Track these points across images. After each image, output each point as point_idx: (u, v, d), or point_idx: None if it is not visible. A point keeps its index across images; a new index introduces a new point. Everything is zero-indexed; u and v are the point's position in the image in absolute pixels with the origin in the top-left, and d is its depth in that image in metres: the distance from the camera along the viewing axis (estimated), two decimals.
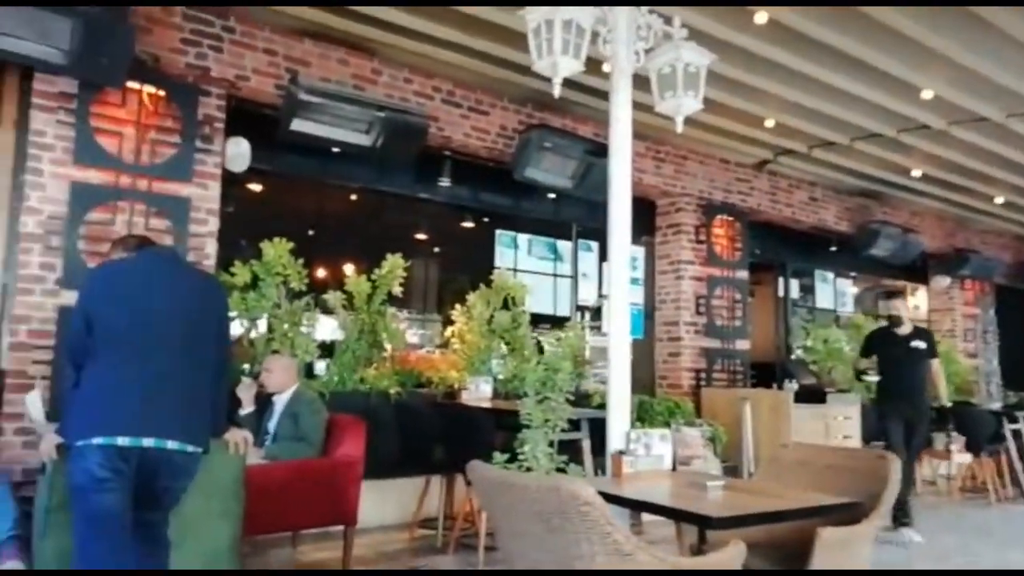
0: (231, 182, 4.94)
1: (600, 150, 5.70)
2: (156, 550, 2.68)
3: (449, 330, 6.15)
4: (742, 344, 7.51)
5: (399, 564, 4.32)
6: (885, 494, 2.70)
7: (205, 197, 4.66)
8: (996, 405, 8.57)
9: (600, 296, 7.23)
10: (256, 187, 5.81)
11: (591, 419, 4.55)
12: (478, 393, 5.40)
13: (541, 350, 5.87)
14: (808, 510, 2.51)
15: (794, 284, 8.91)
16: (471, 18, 4.67)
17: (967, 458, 7.00)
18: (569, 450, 4.32)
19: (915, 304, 10.05)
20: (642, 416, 6.02)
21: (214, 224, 4.70)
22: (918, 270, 9.74)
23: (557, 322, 6.67)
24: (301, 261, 5.09)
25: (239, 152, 4.78)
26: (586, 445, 4.55)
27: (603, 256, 7.07)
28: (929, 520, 5.21)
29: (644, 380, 7.04)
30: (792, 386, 6.82)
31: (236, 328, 4.76)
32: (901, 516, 5.19)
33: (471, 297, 6.03)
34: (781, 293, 8.71)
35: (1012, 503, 6.93)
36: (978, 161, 7.23)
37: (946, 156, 7.11)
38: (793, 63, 5.21)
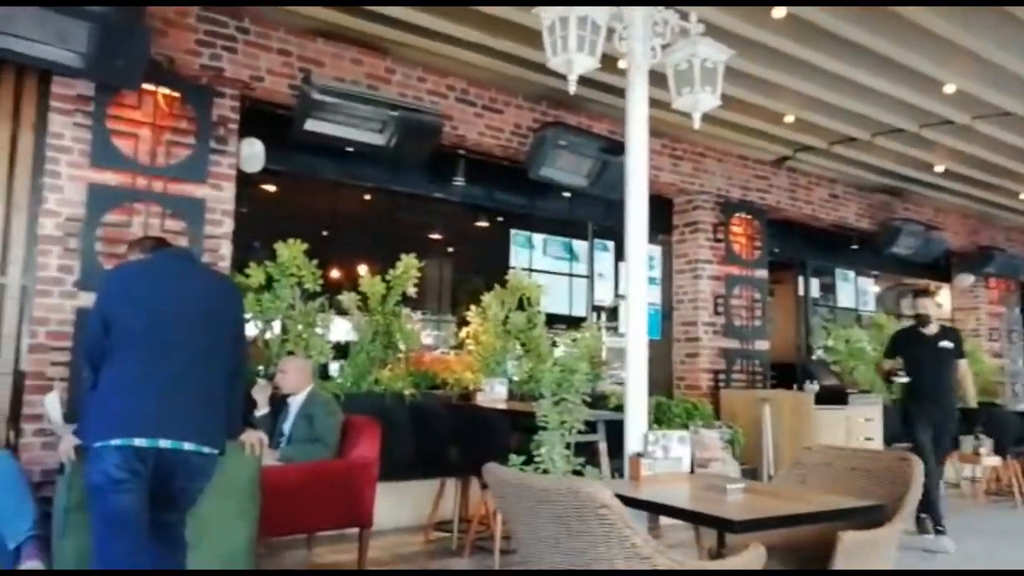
0: (245, 183, 4.95)
1: (616, 148, 5.66)
2: (173, 551, 2.70)
3: (464, 331, 6.13)
4: (761, 344, 7.42)
5: (415, 566, 4.30)
6: (908, 497, 2.65)
7: (220, 198, 4.67)
8: (1022, 406, 8.42)
9: (617, 296, 7.18)
10: (270, 188, 5.83)
11: (607, 421, 4.50)
12: (493, 394, 5.37)
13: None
14: (829, 513, 2.46)
15: (814, 283, 8.81)
16: (485, 16, 4.65)
17: (996, 461, 6.89)
18: (585, 452, 4.28)
19: (938, 303, 9.89)
20: (660, 418, 5.97)
21: (229, 225, 4.71)
22: (941, 268, 9.60)
23: (573, 322, 6.62)
24: (315, 262, 5.09)
25: (253, 153, 4.79)
26: (603, 447, 4.51)
27: (619, 255, 7.02)
28: (954, 523, 5.10)
29: (661, 381, 6.98)
30: (813, 387, 6.72)
31: (251, 329, 4.77)
32: (936, 522, 5.05)
33: (486, 297, 6.01)
34: (801, 292, 8.61)
35: None
36: (1002, 156, 7.10)
37: (969, 151, 6.99)
38: (812, 58, 5.13)
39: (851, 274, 9.32)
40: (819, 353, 8.28)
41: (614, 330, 7.01)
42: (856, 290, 9.40)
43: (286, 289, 4.96)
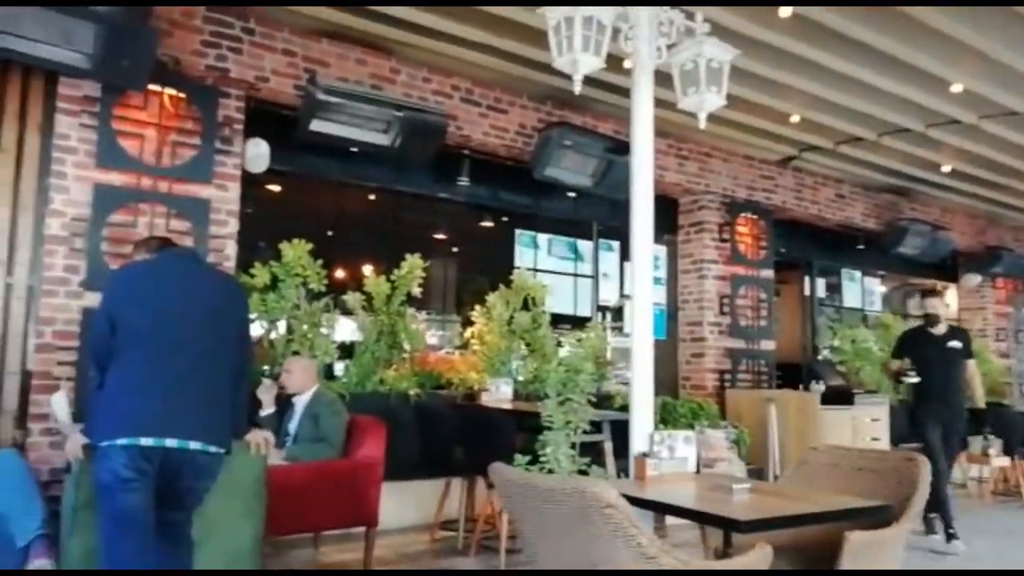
0: (250, 183, 4.96)
1: (621, 148, 5.65)
2: (179, 550, 2.71)
3: (469, 331, 6.13)
4: (767, 344, 7.40)
5: (420, 565, 4.30)
6: (915, 497, 2.64)
7: (225, 198, 4.68)
8: None
9: (622, 296, 7.17)
10: (275, 188, 5.84)
11: (612, 421, 4.50)
12: (498, 394, 5.37)
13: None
14: (836, 513, 2.45)
15: (820, 283, 8.78)
16: (490, 16, 4.65)
17: (1005, 461, 6.86)
18: (590, 452, 4.28)
19: (945, 303, 9.85)
20: (665, 418, 5.96)
21: (234, 225, 4.72)
22: (948, 268, 9.56)
23: (578, 323, 6.62)
24: (320, 262, 5.10)
25: (258, 153, 4.80)
26: (608, 447, 4.50)
27: (624, 255, 7.00)
28: (961, 523, 5.08)
29: (667, 381, 6.97)
30: (819, 387, 6.70)
31: (256, 329, 4.78)
32: (947, 525, 4.99)
33: (490, 298, 6.01)
34: (807, 292, 8.58)
35: None
36: (1009, 156, 7.07)
37: (976, 151, 6.96)
38: (819, 57, 5.11)
39: (857, 274, 9.29)
40: (825, 353, 8.26)
41: (619, 330, 7.00)
42: (862, 290, 9.37)
43: (291, 289, 4.97)
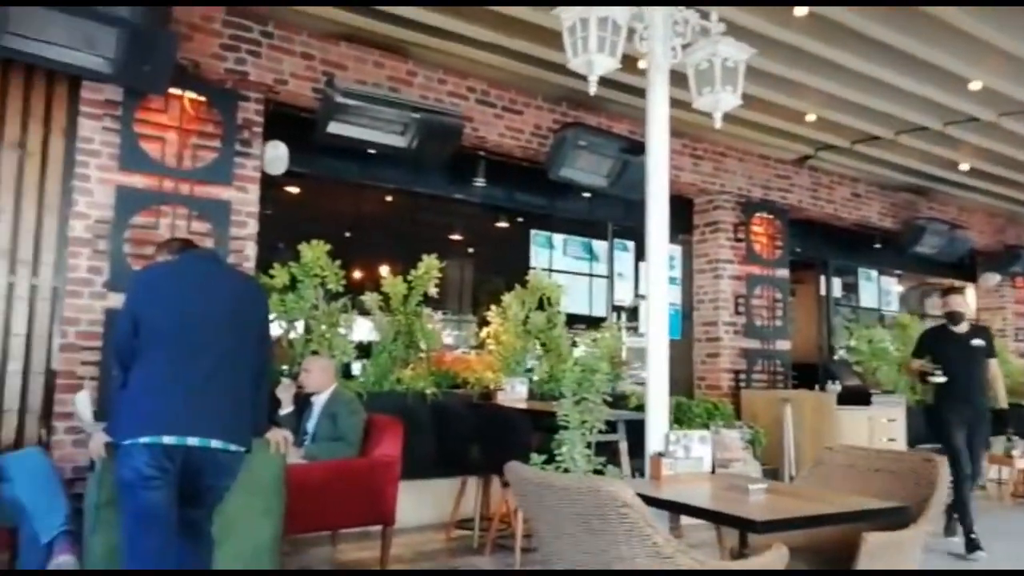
0: (269, 185, 5.01)
1: (636, 148, 5.66)
2: (199, 547, 2.74)
3: (484, 331, 6.16)
4: (783, 344, 7.36)
5: (437, 564, 4.33)
6: (933, 499, 2.62)
7: (245, 200, 4.74)
8: None
9: (637, 296, 7.17)
10: (294, 189, 5.89)
11: (628, 421, 4.50)
12: (514, 394, 5.39)
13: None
14: (853, 514, 2.44)
15: (836, 283, 8.72)
16: (506, 17, 4.67)
17: None
18: (606, 452, 4.29)
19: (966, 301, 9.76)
20: (680, 418, 5.95)
21: (253, 227, 4.77)
22: (966, 267, 9.46)
23: (593, 322, 6.63)
24: (338, 263, 5.15)
25: (277, 155, 4.85)
26: (623, 447, 4.51)
27: (639, 255, 7.00)
28: (979, 525, 5.02)
29: (682, 381, 6.96)
30: (835, 387, 6.66)
31: (275, 329, 4.83)
32: (968, 531, 4.89)
33: (506, 298, 6.03)
34: (823, 292, 8.53)
35: None
36: None
37: (996, 149, 6.88)
38: (835, 56, 5.09)
39: (874, 274, 9.22)
40: (841, 353, 8.20)
41: (634, 330, 7.00)
42: (879, 290, 9.30)
43: (310, 290, 5.02)
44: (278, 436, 3.11)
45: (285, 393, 4.31)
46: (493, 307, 6.08)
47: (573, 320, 6.43)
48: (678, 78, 3.36)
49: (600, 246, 7.12)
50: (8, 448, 4.05)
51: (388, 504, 3.95)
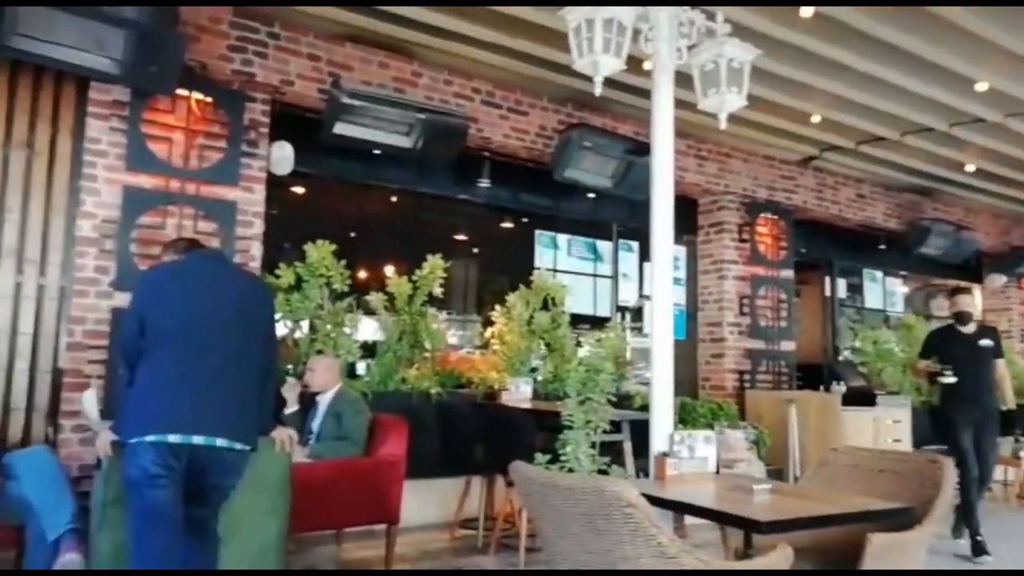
0: (275, 185, 5.03)
1: (641, 149, 5.66)
2: (205, 545, 2.75)
3: (489, 331, 6.17)
4: (787, 345, 7.36)
5: (441, 563, 4.34)
6: (939, 500, 2.62)
7: (251, 200, 4.76)
8: None
9: (641, 296, 7.17)
10: (300, 190, 5.91)
11: (632, 421, 4.51)
12: (518, 394, 5.40)
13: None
14: (858, 515, 2.44)
15: (841, 283, 8.70)
16: (511, 19, 4.67)
17: None
18: (610, 452, 4.29)
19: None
20: (684, 418, 5.95)
21: (259, 227, 4.79)
22: (971, 268, 9.43)
23: (597, 323, 6.63)
24: (343, 263, 5.16)
25: (283, 156, 4.87)
26: (627, 447, 4.52)
27: (644, 256, 7.00)
28: (984, 527, 5.01)
29: (686, 382, 6.95)
30: (840, 388, 6.65)
31: (281, 329, 4.84)
32: (974, 533, 4.87)
33: (511, 298, 6.04)
34: (828, 293, 8.51)
35: None
36: None
37: (1001, 150, 6.86)
38: (840, 57, 5.08)
39: (879, 274, 9.20)
40: (846, 354, 8.19)
41: (639, 330, 7.00)
42: (884, 291, 9.28)
43: (315, 289, 5.03)
44: (283, 435, 3.13)
45: (290, 392, 4.32)
46: (498, 307, 6.09)
47: (577, 320, 6.44)
48: (683, 79, 3.36)
49: (604, 247, 7.12)
50: (15, 446, 4.08)
51: (393, 503, 3.96)
